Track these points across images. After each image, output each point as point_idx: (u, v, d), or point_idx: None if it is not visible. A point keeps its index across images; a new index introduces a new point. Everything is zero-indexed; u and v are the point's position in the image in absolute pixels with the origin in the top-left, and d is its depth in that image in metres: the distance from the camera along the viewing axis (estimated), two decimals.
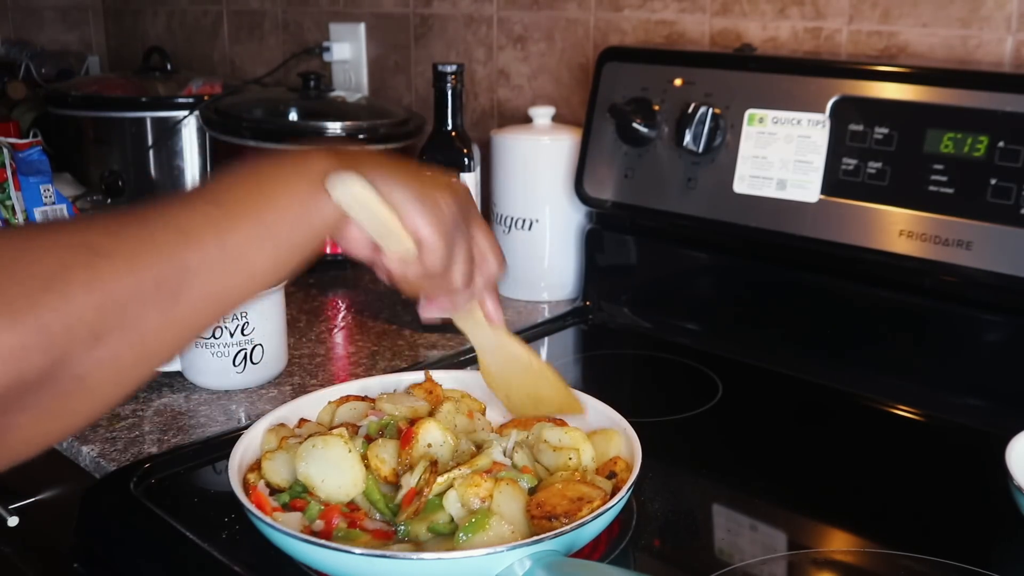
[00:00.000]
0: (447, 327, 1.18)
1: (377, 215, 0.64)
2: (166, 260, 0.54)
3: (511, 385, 0.84)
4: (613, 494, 0.73)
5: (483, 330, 0.80)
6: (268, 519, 0.69)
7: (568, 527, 0.67)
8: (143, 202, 0.58)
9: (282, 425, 0.83)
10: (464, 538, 0.68)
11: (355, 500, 0.74)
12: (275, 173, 0.63)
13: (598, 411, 0.85)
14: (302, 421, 0.85)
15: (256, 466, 0.78)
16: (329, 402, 0.87)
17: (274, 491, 0.76)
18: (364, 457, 0.75)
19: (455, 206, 0.68)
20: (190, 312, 0.56)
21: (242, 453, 0.77)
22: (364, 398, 0.87)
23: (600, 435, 0.81)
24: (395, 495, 0.74)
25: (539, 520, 0.69)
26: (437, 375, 0.90)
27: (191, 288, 0.55)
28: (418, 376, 0.90)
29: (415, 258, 0.67)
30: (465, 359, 1.12)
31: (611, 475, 0.77)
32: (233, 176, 0.62)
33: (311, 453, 0.74)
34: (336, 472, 0.73)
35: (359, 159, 0.65)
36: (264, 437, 0.81)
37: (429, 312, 0.76)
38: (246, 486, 0.75)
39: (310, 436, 0.75)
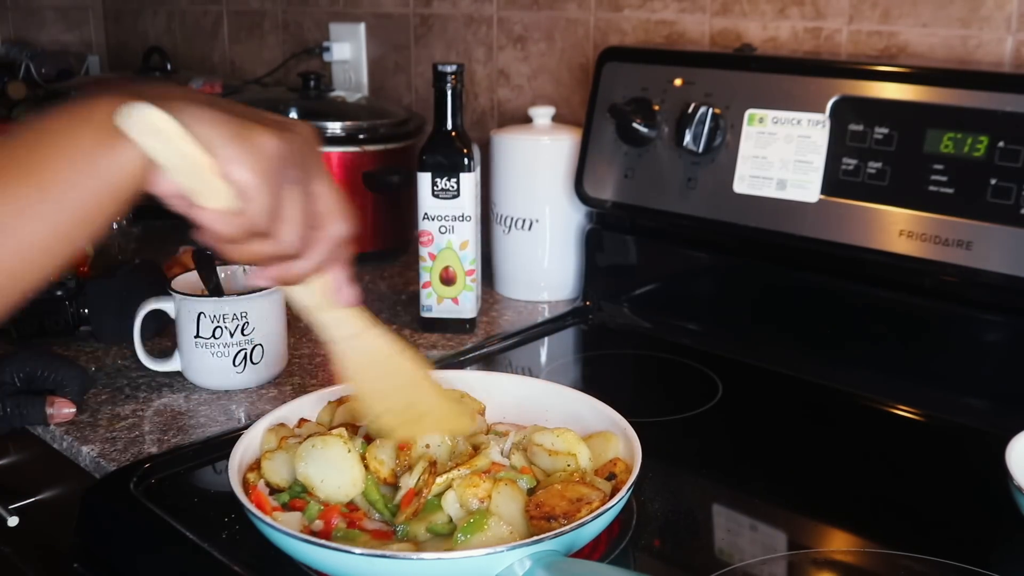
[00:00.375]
0: (448, 327, 1.19)
1: (182, 153, 0.54)
2: None
3: (376, 387, 0.73)
4: (613, 494, 0.73)
5: (332, 312, 0.67)
6: (268, 519, 0.69)
7: (568, 527, 0.67)
8: None
9: (282, 425, 0.83)
10: (462, 539, 0.68)
11: (354, 500, 0.74)
12: (55, 126, 0.53)
13: (598, 411, 0.85)
14: (302, 421, 0.85)
15: (256, 466, 0.78)
16: (329, 402, 0.87)
17: (274, 491, 0.76)
18: (363, 458, 0.75)
19: (284, 148, 0.57)
20: None
21: (242, 453, 0.78)
22: None
23: (598, 438, 0.81)
24: (394, 495, 0.74)
25: (538, 521, 0.69)
26: (437, 375, 0.90)
27: None
28: None
29: (235, 211, 0.57)
30: (465, 359, 1.12)
31: (610, 476, 0.77)
32: (16, 132, 0.54)
33: (311, 453, 0.74)
34: (335, 472, 0.73)
35: (163, 92, 0.55)
36: (264, 437, 0.81)
37: (260, 279, 0.64)
38: (246, 486, 0.75)
39: (310, 436, 0.75)
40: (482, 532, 0.67)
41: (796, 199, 1.04)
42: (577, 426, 0.82)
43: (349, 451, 0.74)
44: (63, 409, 0.94)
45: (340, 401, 0.86)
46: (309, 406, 0.87)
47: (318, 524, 0.72)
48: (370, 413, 0.75)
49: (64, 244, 0.54)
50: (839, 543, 0.79)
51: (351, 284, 0.66)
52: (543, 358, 1.18)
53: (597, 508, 0.69)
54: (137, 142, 0.53)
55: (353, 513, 0.73)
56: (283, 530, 0.67)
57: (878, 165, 0.99)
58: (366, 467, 0.75)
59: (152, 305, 1.03)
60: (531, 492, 0.73)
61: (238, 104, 0.59)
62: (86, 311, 1.15)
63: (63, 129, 0.53)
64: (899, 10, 1.11)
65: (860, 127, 1.00)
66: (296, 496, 0.74)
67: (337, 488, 0.73)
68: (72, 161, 0.52)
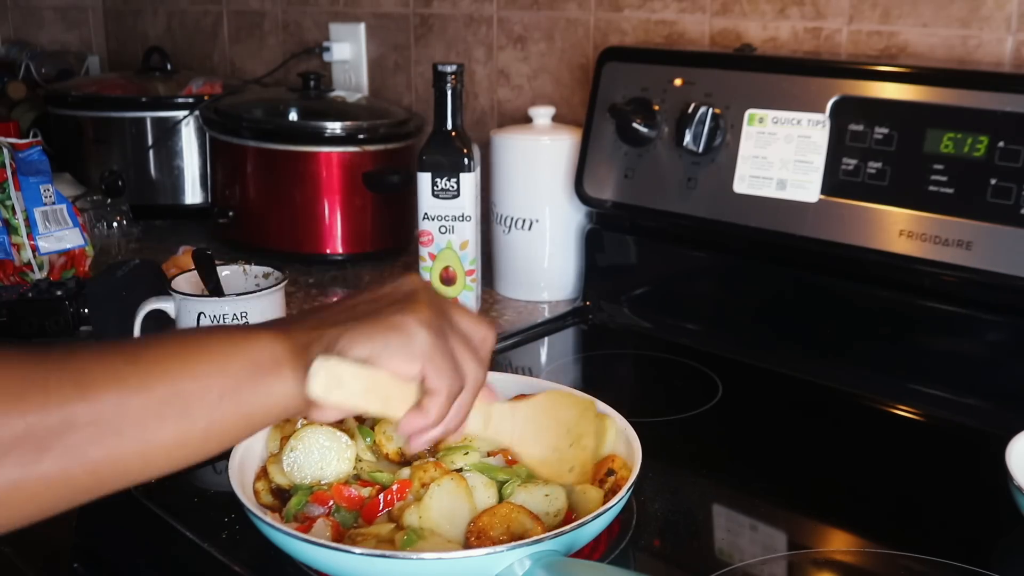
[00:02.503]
0: None
1: (365, 389, 0.57)
2: (42, 409, 0.48)
3: (556, 446, 0.74)
4: (613, 494, 0.73)
5: (497, 416, 0.70)
6: (268, 519, 0.69)
7: (568, 527, 0.67)
8: (70, 343, 0.53)
9: (288, 421, 0.82)
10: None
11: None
12: (212, 342, 0.55)
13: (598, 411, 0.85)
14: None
15: (262, 474, 0.77)
16: None
17: (283, 493, 0.75)
18: (375, 443, 0.77)
19: (424, 314, 0.60)
20: (60, 473, 0.49)
21: (242, 453, 0.77)
22: None
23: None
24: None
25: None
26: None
27: (70, 446, 0.49)
28: None
29: (427, 400, 0.60)
30: None
31: (609, 472, 0.77)
32: (165, 336, 0.56)
33: (290, 457, 0.74)
34: (323, 452, 0.74)
35: (311, 324, 0.59)
36: (267, 443, 0.81)
37: (455, 437, 0.67)
38: (257, 495, 0.75)
39: (287, 438, 0.76)
40: (424, 541, 0.68)
41: (796, 199, 1.04)
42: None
43: (335, 433, 0.75)
44: None
45: None
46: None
47: (312, 509, 0.72)
48: (562, 473, 0.74)
49: (185, 453, 0.54)
50: (839, 543, 0.79)
51: (488, 385, 0.68)
52: (543, 358, 1.18)
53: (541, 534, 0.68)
54: (330, 404, 0.55)
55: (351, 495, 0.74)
56: (283, 530, 0.67)
57: (878, 165, 0.99)
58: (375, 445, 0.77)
59: (152, 305, 1.03)
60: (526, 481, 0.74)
61: (360, 295, 0.62)
62: (86, 311, 1.15)
63: (221, 348, 0.55)
64: (899, 10, 1.11)
65: (860, 127, 1.00)
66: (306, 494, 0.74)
67: (334, 464, 0.74)
68: (219, 382, 0.54)
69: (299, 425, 0.78)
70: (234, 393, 0.54)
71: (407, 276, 0.65)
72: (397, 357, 0.58)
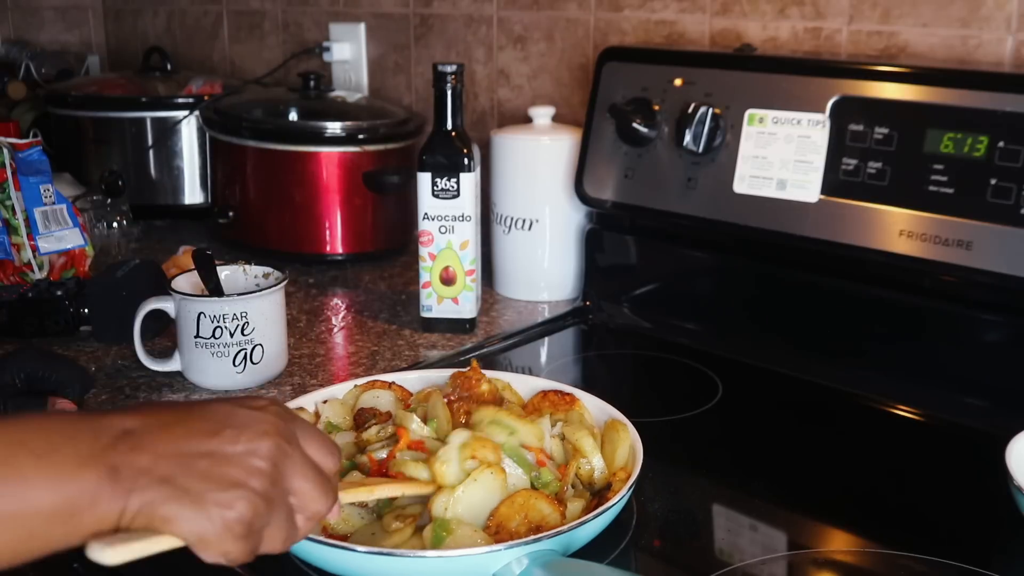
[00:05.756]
0: (448, 326, 1.19)
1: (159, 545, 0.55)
2: None
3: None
4: (613, 494, 0.73)
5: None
6: None
7: (567, 527, 0.67)
8: None
9: None
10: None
11: None
12: (53, 428, 0.50)
13: (600, 410, 0.85)
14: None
15: None
16: (356, 385, 0.88)
17: None
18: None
19: (251, 509, 0.54)
20: None
21: None
22: (391, 384, 0.88)
23: (609, 432, 0.81)
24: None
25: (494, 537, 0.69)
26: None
27: None
28: (430, 375, 0.91)
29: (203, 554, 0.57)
30: (465, 359, 1.12)
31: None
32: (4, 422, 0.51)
33: None
34: None
35: (138, 478, 0.53)
36: None
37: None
38: None
39: None
40: (451, 536, 0.68)
41: (796, 199, 1.04)
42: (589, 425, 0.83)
43: None
44: (64, 409, 0.94)
45: (366, 386, 0.88)
46: (309, 406, 0.87)
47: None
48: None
49: None
50: (839, 543, 0.79)
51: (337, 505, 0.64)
52: (543, 358, 1.18)
53: (559, 525, 0.69)
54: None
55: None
56: None
57: (878, 165, 0.99)
58: None
59: (152, 305, 1.03)
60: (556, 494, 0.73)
61: (204, 439, 0.55)
62: (86, 311, 1.15)
63: (60, 436, 0.51)
64: (899, 10, 1.11)
65: (860, 127, 1.00)
66: None
67: None
68: (45, 485, 0.50)
69: None
70: (64, 500, 0.51)
71: (270, 402, 0.59)
72: (202, 540, 0.55)
